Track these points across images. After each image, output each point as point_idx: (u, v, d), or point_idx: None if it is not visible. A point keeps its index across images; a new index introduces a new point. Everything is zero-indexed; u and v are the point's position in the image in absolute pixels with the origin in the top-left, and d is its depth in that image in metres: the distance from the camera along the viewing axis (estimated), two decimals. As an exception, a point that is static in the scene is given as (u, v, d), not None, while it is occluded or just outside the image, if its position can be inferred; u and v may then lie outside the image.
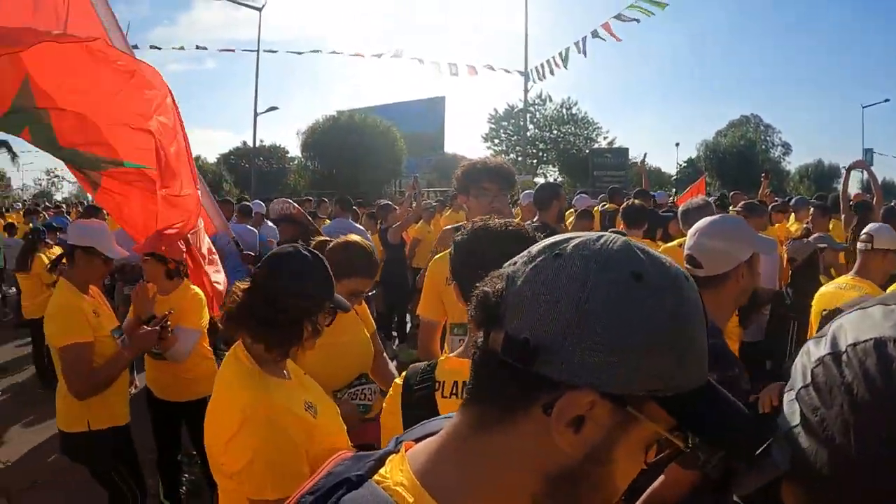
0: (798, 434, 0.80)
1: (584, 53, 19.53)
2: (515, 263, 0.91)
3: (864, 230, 4.38)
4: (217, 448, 2.17)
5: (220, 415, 2.19)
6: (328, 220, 9.89)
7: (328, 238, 3.55)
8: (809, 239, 6.14)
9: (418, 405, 1.97)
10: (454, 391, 1.93)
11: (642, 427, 0.84)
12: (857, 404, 0.72)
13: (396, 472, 0.93)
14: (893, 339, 0.73)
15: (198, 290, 4.59)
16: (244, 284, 2.37)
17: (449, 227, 7.80)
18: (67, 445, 3.78)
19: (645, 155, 16.09)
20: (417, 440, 1.01)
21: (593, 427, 0.83)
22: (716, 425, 0.86)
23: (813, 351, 0.82)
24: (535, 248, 0.91)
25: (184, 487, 5.05)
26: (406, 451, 0.97)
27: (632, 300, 0.81)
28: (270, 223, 9.39)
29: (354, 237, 3.38)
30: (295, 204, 8.26)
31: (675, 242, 5.72)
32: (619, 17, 16.76)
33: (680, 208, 5.85)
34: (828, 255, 5.89)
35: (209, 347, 4.71)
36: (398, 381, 2.11)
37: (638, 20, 16.02)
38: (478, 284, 0.94)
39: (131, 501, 3.89)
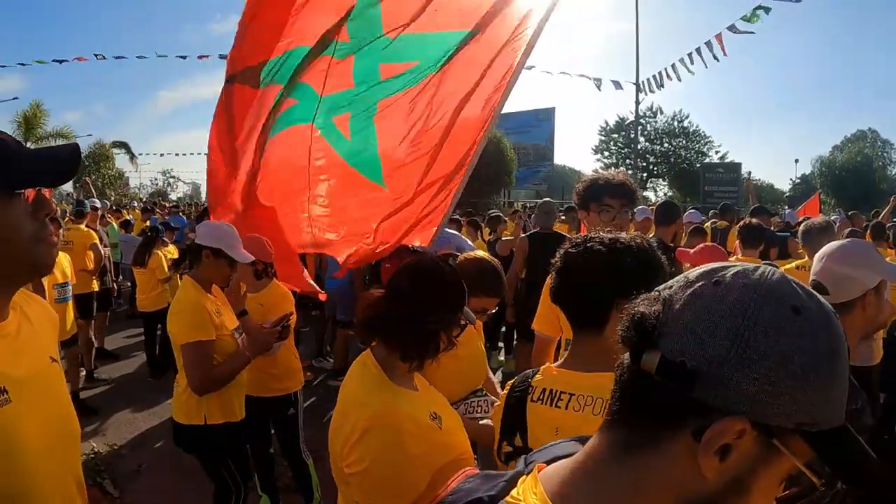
0: None
1: (698, 64, 18.98)
2: (672, 287, 0.92)
3: None
4: (339, 452, 2.15)
5: (346, 419, 2.16)
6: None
7: (452, 252, 3.54)
8: None
9: (513, 407, 2.06)
10: (541, 397, 1.98)
11: (783, 461, 0.84)
12: None
13: (529, 495, 0.94)
14: None
15: (286, 289, 4.80)
16: (380, 292, 2.35)
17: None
18: (182, 437, 3.88)
19: (749, 173, 15.59)
20: (548, 462, 1.01)
21: (739, 456, 0.83)
22: (856, 465, 0.86)
23: None
24: (692, 274, 0.92)
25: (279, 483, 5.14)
26: (538, 471, 0.98)
27: (791, 333, 0.82)
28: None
29: (482, 254, 3.39)
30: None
31: (792, 264, 5.50)
32: (731, 28, 16.21)
33: (801, 228, 5.61)
34: None
35: (294, 345, 4.84)
36: (510, 382, 2.17)
37: (753, 32, 15.45)
38: (630, 303, 0.94)
39: (234, 494, 3.99)
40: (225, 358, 3.77)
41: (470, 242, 8.53)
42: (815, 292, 0.88)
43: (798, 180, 54.55)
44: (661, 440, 0.86)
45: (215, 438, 3.83)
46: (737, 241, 6.60)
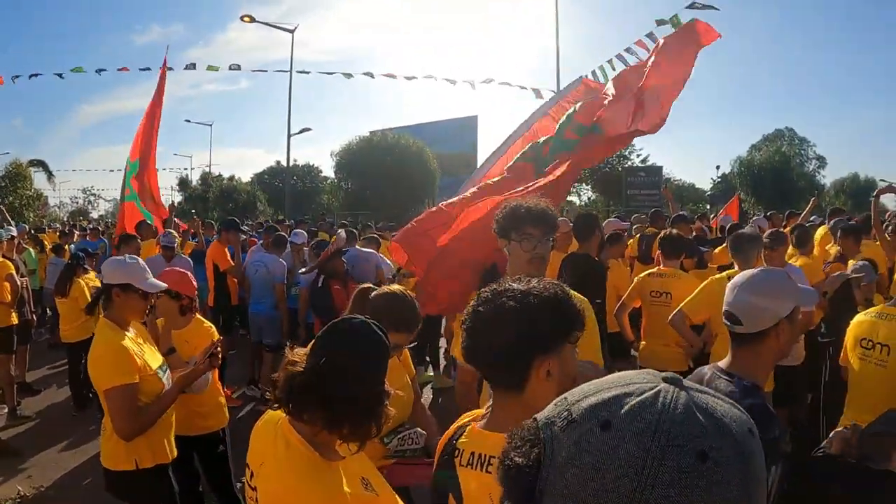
0: None
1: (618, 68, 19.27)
2: (554, 424, 0.78)
3: None
4: None
5: None
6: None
7: (371, 286, 3.53)
8: (848, 271, 5.90)
9: (443, 467, 1.97)
10: (471, 461, 1.88)
11: None
12: None
13: None
14: None
15: (209, 324, 4.77)
16: (303, 357, 2.14)
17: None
18: (113, 483, 3.77)
19: (667, 180, 15.94)
20: None
21: None
22: None
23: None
24: (577, 409, 0.78)
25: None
26: None
27: (697, 489, 0.69)
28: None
29: (397, 287, 3.38)
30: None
31: (723, 274, 5.65)
32: (650, 35, 16.52)
33: (730, 239, 5.77)
34: (866, 287, 5.61)
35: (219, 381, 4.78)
36: (440, 446, 2.09)
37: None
38: (506, 446, 0.83)
39: None
40: (150, 398, 3.68)
41: (388, 261, 8.57)
42: (727, 413, 0.77)
43: (719, 179, 55.88)
44: None
45: (147, 483, 3.73)
46: (657, 252, 6.73)
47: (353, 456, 2.17)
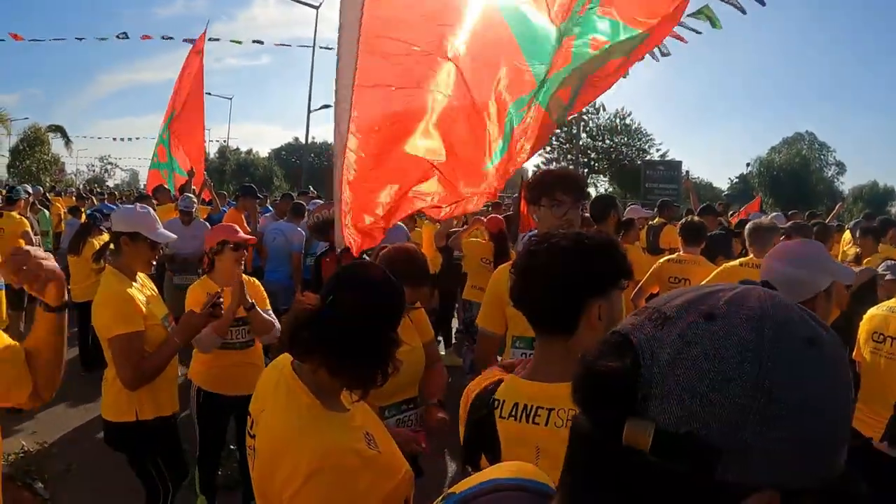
0: None
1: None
2: (642, 327, 0.71)
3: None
4: (276, 497, 1.91)
5: (280, 460, 1.91)
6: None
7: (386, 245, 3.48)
8: (878, 266, 5.80)
9: (477, 425, 1.86)
10: (513, 413, 1.79)
11: None
12: None
13: None
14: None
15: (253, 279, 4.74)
16: (312, 303, 2.06)
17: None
18: (112, 435, 3.73)
19: (687, 172, 15.80)
20: None
21: None
22: None
23: None
24: (667, 306, 0.72)
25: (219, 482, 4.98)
26: None
27: (813, 373, 0.66)
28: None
29: (410, 245, 3.34)
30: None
31: (735, 262, 5.56)
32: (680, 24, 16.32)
33: (748, 226, 5.67)
34: (889, 284, 5.48)
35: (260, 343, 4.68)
36: (466, 398, 1.97)
37: (699, 31, 15.62)
38: (587, 359, 0.73)
39: (163, 495, 3.84)
40: (155, 348, 3.61)
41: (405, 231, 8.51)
42: (812, 313, 0.73)
43: (736, 180, 55.78)
44: None
45: (147, 434, 3.67)
46: (680, 239, 6.63)
47: (359, 409, 2.08)
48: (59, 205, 16.19)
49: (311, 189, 17.68)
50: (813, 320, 0.71)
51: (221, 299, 3.90)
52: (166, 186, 11.63)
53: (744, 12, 14.13)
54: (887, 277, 5.44)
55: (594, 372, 0.71)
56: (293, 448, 1.88)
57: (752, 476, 0.63)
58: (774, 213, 12.55)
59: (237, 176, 52.05)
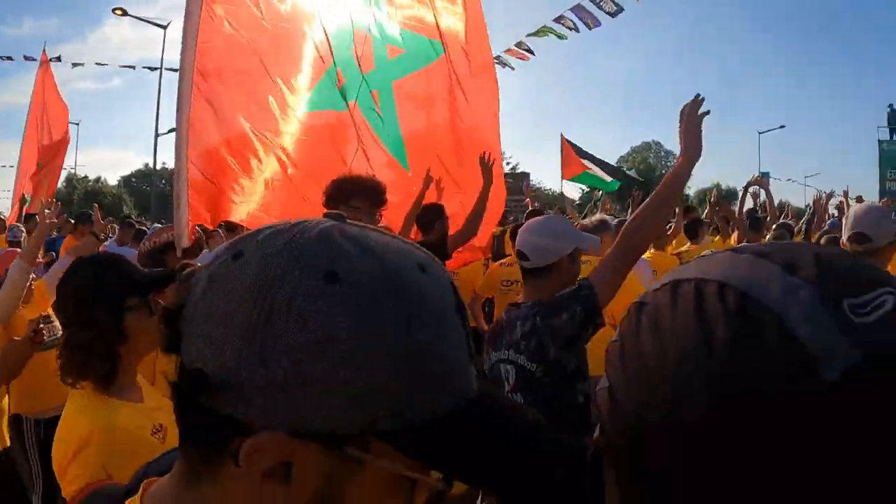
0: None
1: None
2: (198, 267, 0.72)
3: None
4: (57, 474, 2.02)
5: (59, 442, 2.04)
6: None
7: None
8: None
9: None
10: None
11: (380, 468, 0.66)
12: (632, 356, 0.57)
13: None
14: (691, 278, 0.56)
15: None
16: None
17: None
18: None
19: (527, 182, 16.31)
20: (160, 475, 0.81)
21: (305, 475, 0.65)
22: (473, 461, 0.68)
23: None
24: (221, 247, 0.72)
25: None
26: (144, 491, 0.80)
27: (327, 311, 0.62)
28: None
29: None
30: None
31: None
32: (519, 44, 16.86)
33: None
34: None
35: None
36: None
37: (526, 58, 16.26)
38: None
39: None
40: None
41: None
42: (392, 243, 0.70)
43: (587, 189, 57.73)
44: (215, 466, 0.67)
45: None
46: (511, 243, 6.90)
47: (162, 404, 2.17)
48: None
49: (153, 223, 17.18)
50: (363, 256, 0.66)
51: (42, 325, 3.79)
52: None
53: (589, 28, 14.61)
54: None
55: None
56: (69, 427, 2.02)
57: (255, 414, 0.62)
58: (619, 219, 13.20)
59: (85, 205, 49.60)
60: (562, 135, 18.33)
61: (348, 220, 0.72)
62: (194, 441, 0.69)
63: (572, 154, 18.17)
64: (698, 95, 2.70)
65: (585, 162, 17.92)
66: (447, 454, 0.67)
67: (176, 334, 0.67)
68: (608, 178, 18.21)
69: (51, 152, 11.72)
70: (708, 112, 2.67)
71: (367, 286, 0.64)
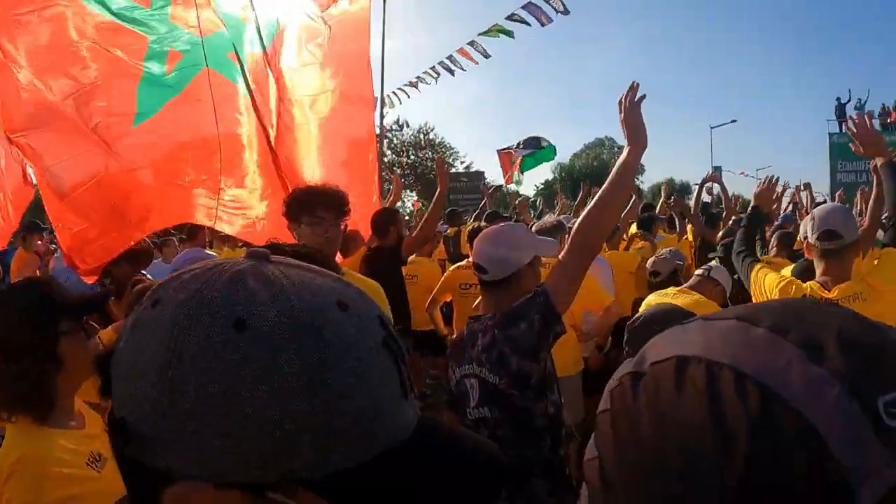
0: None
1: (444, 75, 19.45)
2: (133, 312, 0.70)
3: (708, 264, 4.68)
4: None
5: None
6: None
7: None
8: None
9: None
10: None
11: None
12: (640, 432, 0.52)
13: None
14: (700, 357, 0.51)
15: None
16: None
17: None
18: None
19: (484, 182, 16.45)
20: None
21: None
22: (409, 500, 0.66)
23: (622, 369, 0.59)
24: (150, 291, 0.70)
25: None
26: None
27: (235, 361, 0.60)
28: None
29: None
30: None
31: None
32: (471, 43, 16.87)
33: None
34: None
35: None
36: None
37: (475, 62, 16.31)
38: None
39: None
40: None
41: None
42: (298, 290, 0.65)
43: (542, 185, 58.23)
44: None
45: None
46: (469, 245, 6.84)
47: (98, 429, 2.08)
48: None
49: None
50: (273, 300, 0.63)
51: None
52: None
53: (542, 24, 14.55)
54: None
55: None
56: (2, 455, 1.92)
57: (177, 464, 0.61)
58: (564, 216, 13.25)
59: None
60: (497, 150, 19.18)
61: (272, 258, 0.69)
62: (129, 487, 0.68)
63: (506, 159, 18.71)
64: (633, 82, 2.61)
65: (516, 155, 18.27)
66: (381, 496, 0.65)
67: (108, 379, 0.66)
68: (543, 147, 18.62)
69: None
70: (644, 96, 2.58)
71: (274, 333, 0.61)
